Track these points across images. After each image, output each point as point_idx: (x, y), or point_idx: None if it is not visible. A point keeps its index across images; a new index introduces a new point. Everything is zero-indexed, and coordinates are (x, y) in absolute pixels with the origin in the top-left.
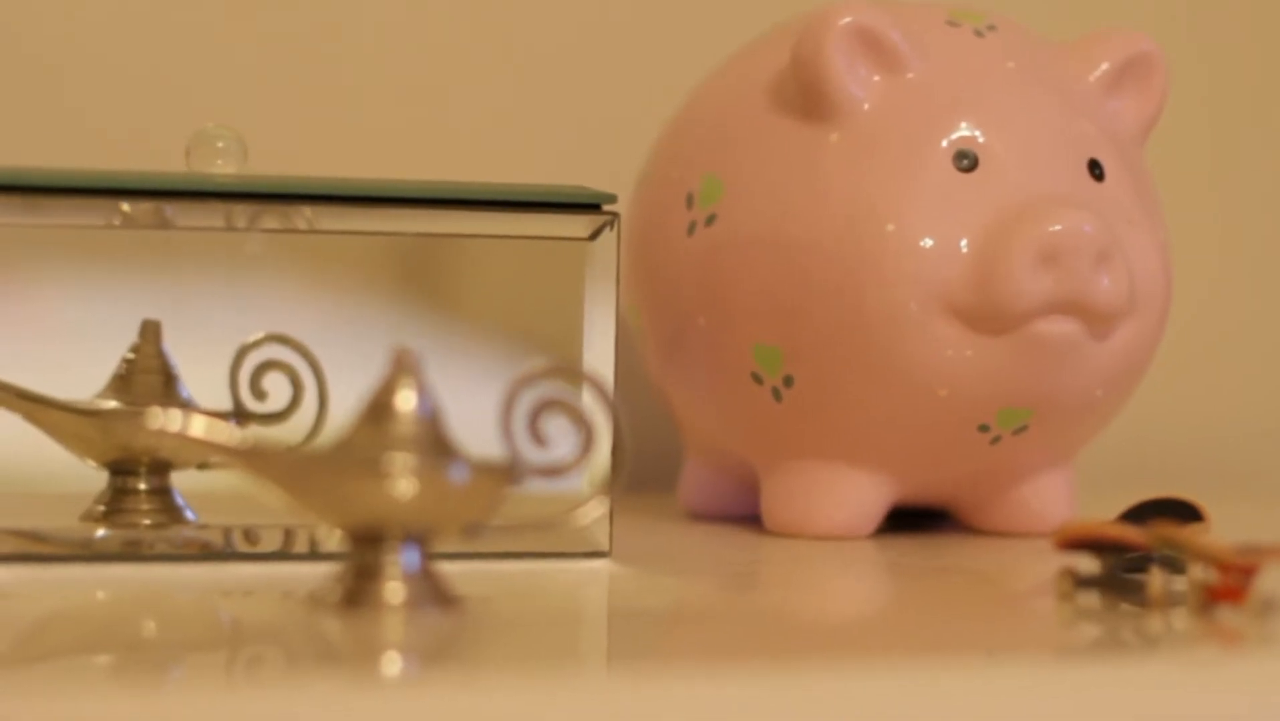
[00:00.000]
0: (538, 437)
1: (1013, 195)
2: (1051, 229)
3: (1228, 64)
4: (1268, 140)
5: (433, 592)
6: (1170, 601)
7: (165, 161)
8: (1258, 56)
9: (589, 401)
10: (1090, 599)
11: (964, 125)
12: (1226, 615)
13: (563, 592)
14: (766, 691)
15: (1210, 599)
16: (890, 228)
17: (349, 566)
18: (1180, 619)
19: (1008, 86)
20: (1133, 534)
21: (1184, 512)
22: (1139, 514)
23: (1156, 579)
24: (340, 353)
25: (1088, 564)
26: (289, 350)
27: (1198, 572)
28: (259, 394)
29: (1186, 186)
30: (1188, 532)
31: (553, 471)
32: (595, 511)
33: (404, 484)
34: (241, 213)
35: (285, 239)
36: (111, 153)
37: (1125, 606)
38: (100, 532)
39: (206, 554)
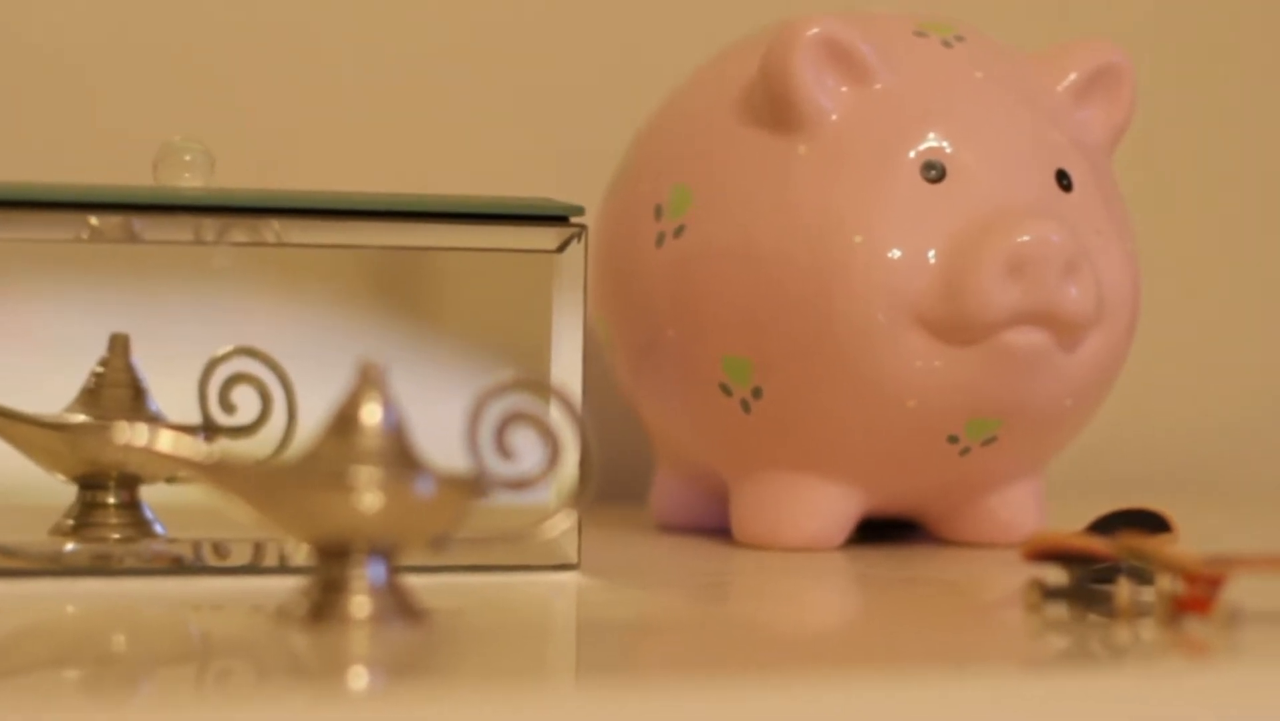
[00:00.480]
0: (504, 450)
1: (981, 206)
2: (1019, 239)
3: (1198, 72)
4: (1235, 147)
5: (399, 606)
6: (1138, 612)
7: (132, 175)
8: (1228, 64)
9: (556, 413)
10: (1058, 610)
11: (932, 136)
12: (1194, 626)
13: (531, 605)
14: (736, 704)
15: (1178, 610)
16: (858, 239)
17: (315, 580)
18: (1148, 630)
19: (976, 97)
20: (1100, 545)
21: (1152, 523)
22: (1107, 524)
23: (1124, 590)
24: (309, 366)
25: (1056, 575)
26: (258, 363)
27: (1165, 583)
28: (228, 407)
29: (1154, 194)
30: (1155, 543)
31: (520, 484)
32: (563, 524)
33: (369, 497)
34: (210, 226)
35: (253, 252)
36: (78, 166)
37: (1093, 617)
38: (69, 547)
39: (176, 568)
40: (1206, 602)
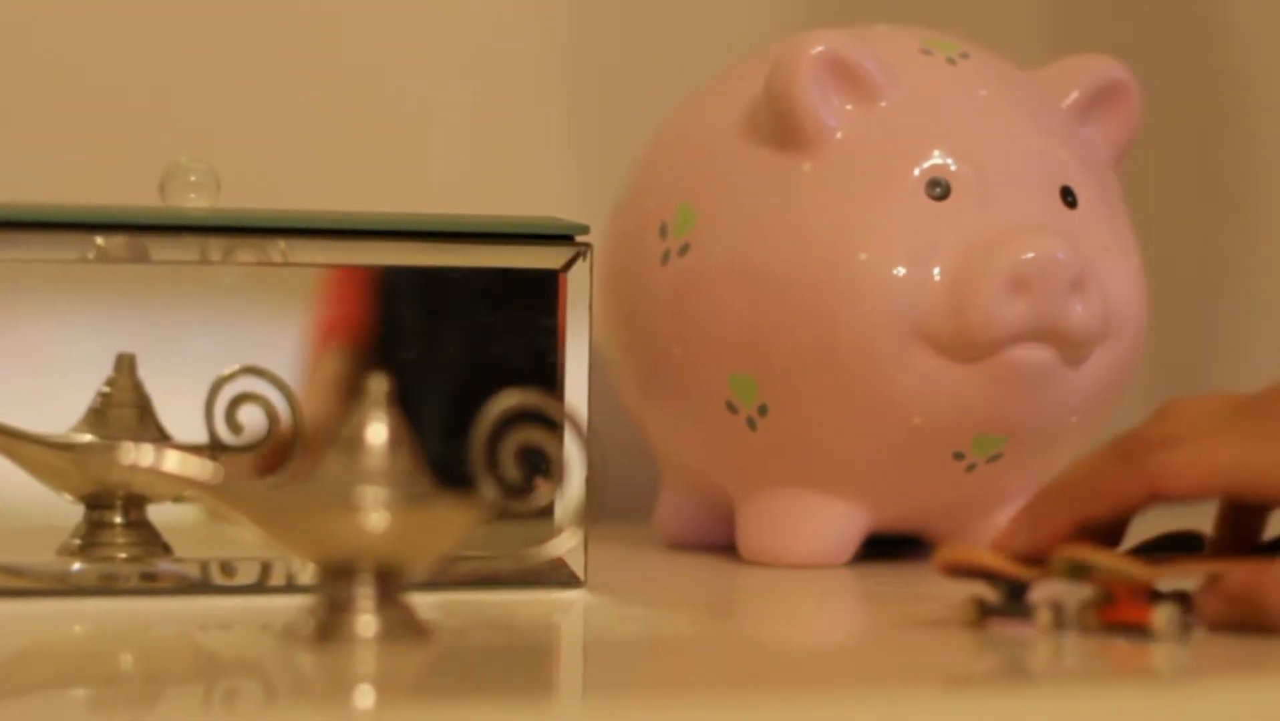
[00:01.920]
0: (510, 469)
1: (985, 223)
2: (1024, 256)
3: (1200, 86)
4: (1239, 161)
5: (405, 625)
6: (1061, 625)
7: (139, 195)
8: (1230, 78)
9: (562, 432)
10: (1002, 624)
11: (936, 153)
12: (1132, 635)
13: (537, 623)
14: None
15: (1113, 619)
16: (863, 256)
17: (321, 599)
18: (1075, 642)
19: (980, 114)
20: (1007, 565)
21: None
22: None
23: (1044, 613)
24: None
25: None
26: (264, 382)
27: (1096, 594)
28: (234, 426)
29: (1157, 209)
30: (1090, 552)
31: (526, 502)
32: (569, 542)
33: (375, 517)
34: (216, 246)
35: (259, 271)
36: (85, 186)
37: (1030, 632)
38: (77, 566)
39: (183, 587)
40: (1143, 610)
